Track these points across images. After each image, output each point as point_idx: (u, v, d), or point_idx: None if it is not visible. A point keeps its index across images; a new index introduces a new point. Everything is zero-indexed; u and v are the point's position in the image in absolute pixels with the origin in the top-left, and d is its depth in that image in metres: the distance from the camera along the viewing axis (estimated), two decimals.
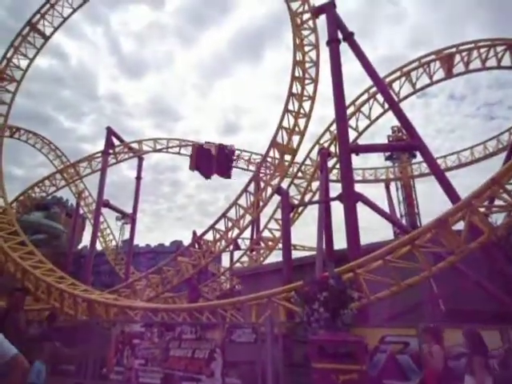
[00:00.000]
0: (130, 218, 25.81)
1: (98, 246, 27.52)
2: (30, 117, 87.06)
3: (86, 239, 38.47)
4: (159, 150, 28.98)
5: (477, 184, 9.14)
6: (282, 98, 18.16)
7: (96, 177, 26.28)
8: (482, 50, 18.43)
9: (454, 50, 19.24)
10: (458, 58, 18.96)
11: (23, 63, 21.68)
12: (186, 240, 33.38)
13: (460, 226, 9.21)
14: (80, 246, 38.70)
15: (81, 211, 31.92)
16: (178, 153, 28.69)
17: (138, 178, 27.81)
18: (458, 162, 24.81)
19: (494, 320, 6.93)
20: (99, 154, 27.33)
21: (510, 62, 17.88)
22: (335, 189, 17.62)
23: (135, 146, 28.60)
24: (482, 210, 9.13)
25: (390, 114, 16.71)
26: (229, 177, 24.34)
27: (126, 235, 26.78)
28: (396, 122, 24.45)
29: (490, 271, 10.25)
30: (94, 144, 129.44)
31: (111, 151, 26.62)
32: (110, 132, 26.43)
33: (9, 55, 21.17)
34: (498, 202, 9.37)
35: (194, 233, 19.56)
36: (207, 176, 24.28)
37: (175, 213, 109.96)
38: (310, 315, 7.77)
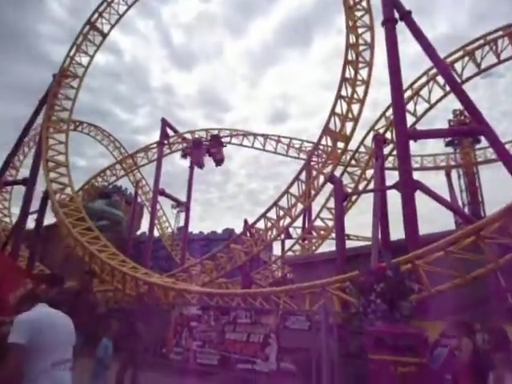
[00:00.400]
0: (184, 206, 26.74)
1: (155, 233, 28.92)
2: (90, 111, 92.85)
3: (143, 226, 40.65)
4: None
5: None
6: (332, 83, 17.81)
7: (152, 166, 27.53)
8: None
9: None
10: None
11: (84, 60, 23.00)
12: (238, 228, 34.09)
13: None
14: (139, 232, 40.89)
15: (139, 199, 33.65)
16: (229, 142, 29.11)
17: (192, 167, 28.64)
18: None
19: None
20: (155, 145, 28.51)
21: None
22: (391, 177, 16.96)
23: (188, 136, 29.45)
24: None
25: (452, 96, 15.72)
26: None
27: (181, 223, 27.90)
28: (458, 105, 22.91)
29: None
30: (147, 135, 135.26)
31: (166, 142, 27.63)
32: (165, 123, 27.37)
33: (72, 53, 22.53)
34: None
35: (246, 221, 19.87)
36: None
37: (226, 202, 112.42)
38: (366, 306, 7.64)
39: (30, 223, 20.46)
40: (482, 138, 21.32)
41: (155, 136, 27.98)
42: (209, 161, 26.51)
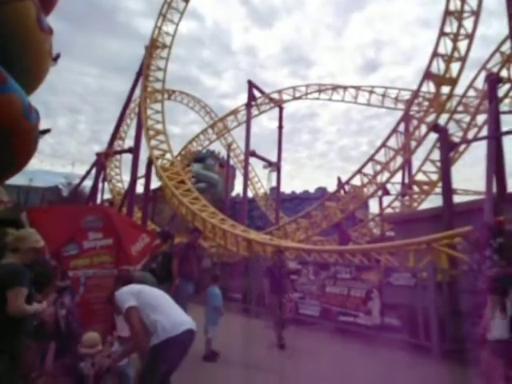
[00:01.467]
0: (275, 167, 27.03)
1: (249, 193, 29.97)
2: (179, 80, 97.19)
3: (237, 187, 42.42)
4: (299, 98, 28.94)
5: None
6: (431, 21, 15.77)
7: (242, 129, 28.09)
8: None
9: None
10: None
11: (171, 29, 23.81)
12: (330, 187, 33.56)
13: None
14: (233, 194, 42.85)
15: (231, 162, 34.96)
16: (318, 98, 28.18)
17: (280, 127, 28.48)
18: None
19: None
20: (243, 108, 28.86)
21: None
22: (507, 122, 14.81)
23: (275, 96, 29.15)
24: None
25: None
26: None
27: (273, 183, 28.32)
28: None
29: None
30: (234, 99, 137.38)
31: (253, 103, 27.75)
32: (251, 85, 27.37)
33: (159, 24, 23.43)
34: None
35: (339, 178, 19.35)
36: None
37: (316, 160, 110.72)
38: (481, 263, 7.05)
39: (139, 188, 22.73)
40: None
41: (241, 99, 28.41)
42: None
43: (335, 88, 26.81)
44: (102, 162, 24.22)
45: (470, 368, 5.29)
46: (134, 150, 21.41)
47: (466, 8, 15.06)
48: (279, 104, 28.77)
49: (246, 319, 10.39)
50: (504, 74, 15.80)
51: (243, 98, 27.40)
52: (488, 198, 10.14)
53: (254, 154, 26.63)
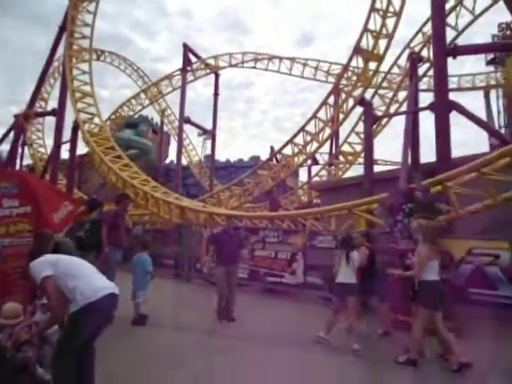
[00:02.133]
0: (209, 134, 26.76)
1: (183, 161, 29.48)
2: (109, 39, 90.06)
3: (171, 155, 41.30)
4: (235, 65, 28.54)
5: None
6: None
7: (176, 95, 27.16)
8: None
9: None
10: None
11: None
12: (264, 156, 34.11)
13: None
14: (167, 161, 41.79)
15: (165, 128, 33.83)
16: (254, 67, 28.01)
17: (216, 94, 28.04)
18: None
19: None
20: (178, 72, 27.78)
21: None
22: (425, 99, 16.11)
23: (211, 62, 28.42)
24: None
25: (499, 6, 14.12)
26: None
27: (207, 151, 28.16)
28: (503, 18, 20.72)
29: None
30: (169, 63, 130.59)
31: (189, 68, 26.83)
32: (187, 49, 26.36)
33: None
34: None
35: (272, 148, 19.80)
36: None
37: (251, 130, 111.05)
38: (393, 226, 7.80)
39: (64, 153, 21.20)
40: None
41: (176, 64, 27.23)
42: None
43: (271, 58, 26.84)
44: (20, 125, 22.01)
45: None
46: (58, 112, 19.77)
47: None
48: (215, 70, 28.15)
49: (178, 284, 10.55)
50: (425, 53, 17.05)
51: (178, 63, 26.29)
52: (403, 168, 11.12)
53: (188, 121, 26.03)
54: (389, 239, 7.74)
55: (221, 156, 40.24)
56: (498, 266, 6.87)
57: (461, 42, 17.43)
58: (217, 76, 28.51)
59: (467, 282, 7.01)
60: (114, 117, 30.95)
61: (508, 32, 25.49)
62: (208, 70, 28.28)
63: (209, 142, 26.59)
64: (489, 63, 26.53)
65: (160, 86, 30.26)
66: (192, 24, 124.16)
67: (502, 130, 24.67)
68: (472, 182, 8.82)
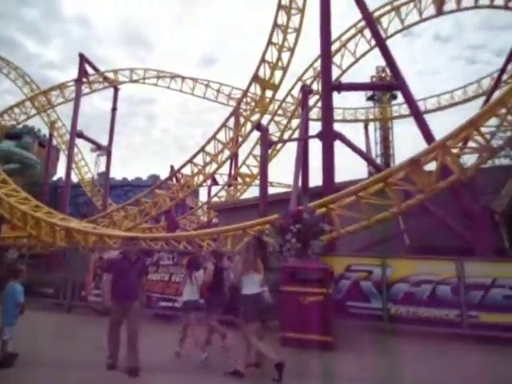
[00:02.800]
0: (105, 150, 25.21)
1: (74, 178, 27.20)
2: None
3: (60, 171, 37.70)
4: (136, 81, 27.61)
5: (452, 127, 9.35)
6: (264, 28, 17.29)
7: (69, 106, 25.13)
8: None
9: None
10: None
11: None
12: (164, 174, 33.25)
13: (432, 167, 9.54)
14: (55, 178, 37.99)
15: (54, 142, 30.90)
16: (156, 84, 27.47)
17: (114, 109, 26.74)
18: (437, 105, 24.96)
19: (454, 255, 7.49)
20: (72, 83, 25.81)
21: (502, 1, 17.33)
22: (315, 127, 17.55)
23: (111, 75, 27.12)
24: (454, 151, 9.43)
25: (375, 53, 16.32)
26: None
27: (102, 168, 26.37)
28: (380, 63, 24.00)
29: (456, 210, 10.81)
30: (62, 71, 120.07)
31: (85, 80, 25.19)
32: (84, 59, 24.80)
33: None
34: (471, 144, 9.65)
35: (172, 167, 19.45)
36: None
37: (151, 147, 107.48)
38: (282, 245, 8.21)
39: None
40: (399, 95, 22.80)
41: (72, 74, 25.35)
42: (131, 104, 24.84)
43: (174, 77, 26.65)
44: None
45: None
46: None
47: (291, 24, 17.16)
48: (115, 85, 26.89)
49: (58, 315, 9.48)
50: (315, 86, 18.74)
51: (74, 73, 24.49)
52: (294, 191, 11.89)
53: (81, 135, 24.25)
54: (279, 258, 8.13)
55: (117, 174, 38.16)
56: (371, 281, 7.69)
57: (346, 79, 19.73)
58: (116, 90, 27.27)
59: (346, 296, 7.68)
60: None
61: (383, 74, 29.55)
62: (106, 84, 26.87)
63: (104, 159, 24.96)
64: (368, 99, 30.35)
65: (50, 96, 27.67)
66: (91, 33, 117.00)
67: (379, 159, 28.24)
68: (351, 204, 9.81)
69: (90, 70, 25.64)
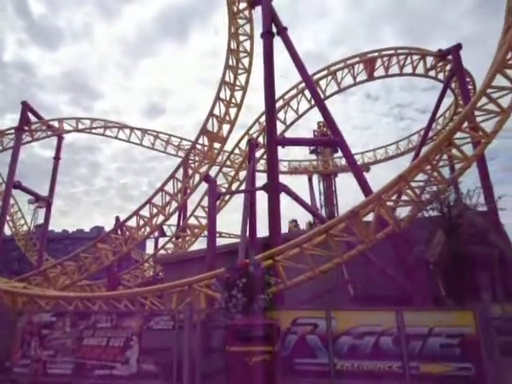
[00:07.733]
0: (45, 202, 23.87)
1: (7, 231, 25.15)
2: None
3: None
4: (82, 130, 27.06)
5: (389, 179, 10.08)
6: (209, 82, 18.07)
7: (5, 155, 23.85)
8: (401, 57, 20.08)
9: (376, 54, 20.65)
10: (379, 62, 20.39)
11: None
12: (108, 226, 31.81)
13: (371, 217, 10.07)
14: None
15: None
16: (103, 134, 27.05)
17: (57, 158, 25.82)
18: (374, 159, 27.09)
19: (395, 304, 7.73)
20: (12, 131, 24.70)
21: (422, 71, 19.74)
22: (262, 179, 18.07)
23: (55, 124, 26.37)
24: (389, 203, 10.08)
25: (316, 109, 17.51)
26: None
27: (40, 220, 24.78)
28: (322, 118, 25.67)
29: (395, 260, 11.35)
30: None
31: (27, 128, 24.25)
32: (26, 107, 24.08)
33: None
34: (404, 197, 10.40)
35: (118, 218, 18.75)
36: None
37: (94, 197, 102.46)
38: (228, 301, 8.01)
39: None
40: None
41: (10, 120, 24.34)
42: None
43: (122, 127, 26.50)
44: None
45: None
46: None
47: (237, 82, 18.10)
48: (59, 134, 26.08)
49: None
50: (261, 140, 19.51)
51: (12, 119, 23.48)
52: (241, 242, 11.90)
53: (19, 186, 22.92)
54: (226, 315, 7.90)
55: (57, 226, 35.94)
56: (317, 334, 7.64)
57: (291, 131, 20.84)
58: (60, 139, 26.49)
59: (292, 352, 7.52)
60: None
61: (325, 129, 31.52)
62: (50, 133, 25.98)
63: (43, 211, 23.55)
64: (312, 152, 32.00)
65: None
66: (32, 80, 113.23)
67: (323, 209, 29.34)
68: (297, 255, 9.97)
69: (32, 118, 24.83)
